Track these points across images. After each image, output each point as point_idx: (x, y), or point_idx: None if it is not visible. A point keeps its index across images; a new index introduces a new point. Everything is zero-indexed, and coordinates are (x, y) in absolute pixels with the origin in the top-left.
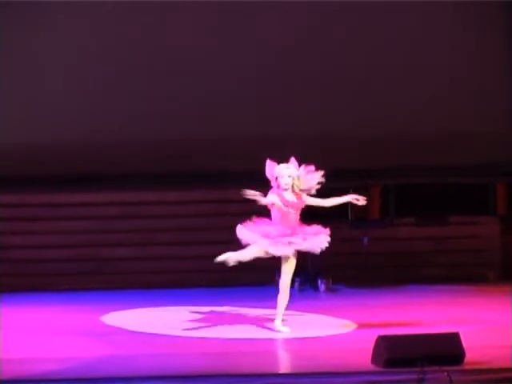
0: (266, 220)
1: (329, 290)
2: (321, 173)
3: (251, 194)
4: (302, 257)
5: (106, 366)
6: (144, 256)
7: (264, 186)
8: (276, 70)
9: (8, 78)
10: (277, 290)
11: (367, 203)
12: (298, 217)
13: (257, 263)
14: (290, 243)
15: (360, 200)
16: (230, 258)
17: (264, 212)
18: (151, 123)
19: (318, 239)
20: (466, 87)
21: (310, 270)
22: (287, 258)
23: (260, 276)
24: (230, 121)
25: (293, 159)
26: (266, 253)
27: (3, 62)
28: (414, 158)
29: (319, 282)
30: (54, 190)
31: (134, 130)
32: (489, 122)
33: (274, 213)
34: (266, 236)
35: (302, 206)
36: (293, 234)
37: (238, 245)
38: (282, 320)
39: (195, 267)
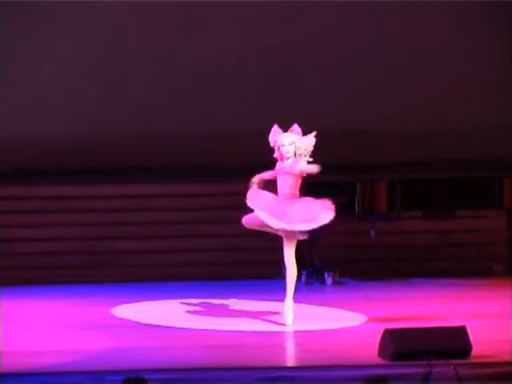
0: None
1: (335, 283)
2: (314, 133)
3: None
4: (309, 250)
5: (114, 359)
6: (150, 249)
7: None
8: (278, 64)
9: (14, 73)
10: (283, 284)
11: (374, 196)
12: (293, 189)
13: (262, 257)
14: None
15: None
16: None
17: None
18: (155, 117)
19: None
20: (473, 81)
21: (316, 263)
22: (286, 235)
23: (266, 269)
24: (234, 115)
25: (295, 125)
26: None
27: (8, 57)
28: (422, 151)
29: (326, 275)
30: (58, 182)
31: (139, 123)
32: (495, 116)
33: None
34: (265, 207)
35: (292, 171)
36: (288, 212)
37: (244, 238)
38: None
39: (201, 260)
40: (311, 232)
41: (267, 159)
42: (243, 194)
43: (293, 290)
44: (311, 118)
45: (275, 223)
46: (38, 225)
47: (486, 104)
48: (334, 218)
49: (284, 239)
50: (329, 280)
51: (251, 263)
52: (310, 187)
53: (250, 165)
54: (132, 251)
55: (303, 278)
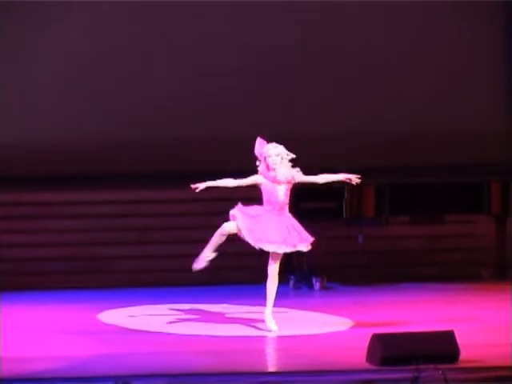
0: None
1: (323, 288)
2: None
3: (205, 185)
4: (297, 256)
5: (103, 365)
6: (138, 254)
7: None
8: (273, 70)
9: (2, 78)
10: (279, 290)
11: (362, 202)
12: (288, 197)
13: (253, 262)
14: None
15: (353, 179)
16: (205, 257)
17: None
18: (144, 122)
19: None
20: (461, 87)
21: (304, 268)
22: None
23: (258, 274)
24: (224, 120)
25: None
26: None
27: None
28: (409, 156)
29: (314, 280)
30: (47, 188)
31: (127, 129)
32: (483, 121)
33: (264, 194)
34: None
35: (292, 182)
36: (282, 237)
37: (234, 244)
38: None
39: (190, 265)
40: None
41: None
42: (232, 200)
43: (273, 300)
44: (298, 123)
45: (247, 236)
46: (26, 231)
47: (475, 109)
48: (322, 224)
49: (270, 252)
50: (317, 285)
51: (242, 268)
52: (299, 192)
53: (240, 170)
54: (120, 257)
55: (291, 283)
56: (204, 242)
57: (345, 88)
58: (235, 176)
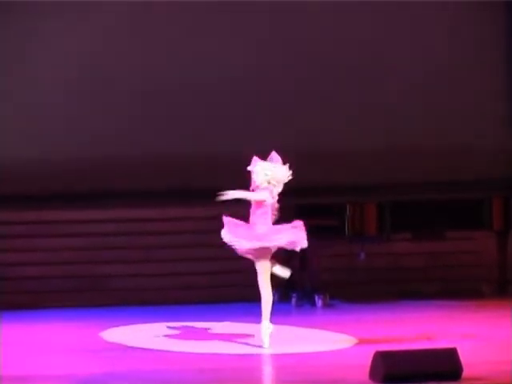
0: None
1: (326, 305)
2: (286, 166)
3: (231, 194)
4: (299, 273)
5: (105, 383)
6: (140, 273)
7: None
8: (265, 87)
9: (1, 96)
10: (279, 307)
11: (364, 219)
12: (273, 211)
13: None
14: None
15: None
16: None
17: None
18: (148, 140)
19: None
20: (462, 102)
21: (306, 285)
22: (256, 260)
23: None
24: (229, 137)
25: (274, 153)
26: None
27: None
28: (410, 173)
29: (316, 297)
30: (48, 207)
31: (131, 146)
32: (484, 137)
33: (256, 210)
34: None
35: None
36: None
37: (235, 261)
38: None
39: (192, 284)
40: (301, 255)
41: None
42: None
43: (268, 313)
44: (298, 140)
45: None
46: (28, 249)
47: (476, 125)
48: (324, 240)
49: (255, 263)
50: (319, 302)
51: (243, 286)
52: (301, 209)
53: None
54: (121, 275)
55: (293, 300)
56: (206, 260)
57: (345, 103)
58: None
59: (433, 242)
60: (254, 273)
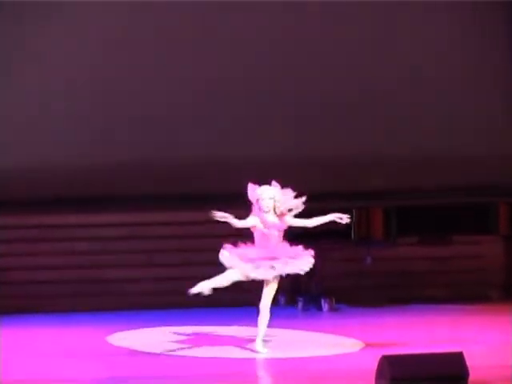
0: (248, 244)
1: (332, 309)
2: (293, 193)
3: (220, 215)
4: (306, 277)
5: None
6: (145, 277)
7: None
8: (266, 90)
9: (4, 101)
10: (285, 311)
11: (370, 223)
12: (281, 238)
13: (260, 285)
14: (271, 267)
15: (343, 218)
16: (204, 287)
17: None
18: (151, 144)
19: (299, 262)
20: (469, 108)
21: (313, 289)
22: (268, 281)
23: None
24: (232, 142)
25: (274, 182)
26: (247, 277)
27: None
28: (416, 178)
29: (322, 301)
30: (53, 211)
31: (133, 151)
32: (491, 142)
33: (256, 235)
34: (248, 261)
35: (284, 227)
36: (274, 257)
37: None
38: (265, 340)
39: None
40: None
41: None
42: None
43: (263, 333)
44: (303, 145)
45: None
46: (33, 253)
47: (483, 130)
48: (331, 244)
49: (264, 285)
50: (325, 306)
51: (248, 290)
52: (307, 214)
53: (244, 193)
54: (126, 279)
55: (300, 304)
56: (210, 264)
57: (350, 108)
58: (236, 199)
59: (439, 247)
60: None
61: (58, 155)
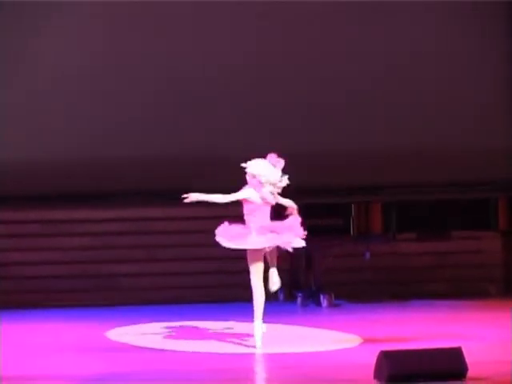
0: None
1: (331, 305)
2: (282, 161)
3: (195, 197)
4: (305, 273)
5: (110, 383)
6: (146, 272)
7: None
8: (269, 85)
9: (3, 97)
10: (284, 307)
11: (369, 219)
12: (269, 212)
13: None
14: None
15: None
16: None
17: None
18: (151, 139)
19: (290, 236)
20: (468, 103)
21: (312, 285)
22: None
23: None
24: (232, 138)
25: (272, 155)
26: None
27: None
28: (416, 173)
29: (321, 297)
30: (54, 206)
31: (135, 146)
32: (490, 137)
33: (246, 208)
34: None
35: (274, 202)
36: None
37: (240, 261)
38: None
39: (197, 283)
40: (307, 255)
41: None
42: (239, 217)
43: (260, 313)
44: (304, 140)
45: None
46: (34, 248)
47: (482, 125)
48: (329, 240)
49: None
50: (324, 302)
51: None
52: (307, 209)
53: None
54: (128, 274)
55: (299, 300)
56: (211, 259)
57: (349, 103)
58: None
59: (438, 242)
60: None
61: (58, 151)
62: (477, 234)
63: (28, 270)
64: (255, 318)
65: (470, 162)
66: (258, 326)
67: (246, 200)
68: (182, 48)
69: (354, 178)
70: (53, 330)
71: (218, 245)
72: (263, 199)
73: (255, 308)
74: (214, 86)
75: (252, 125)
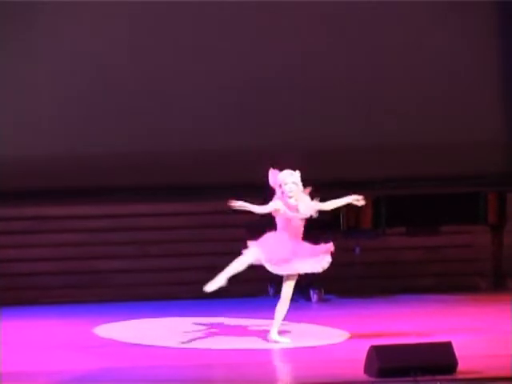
0: (271, 235)
1: (321, 300)
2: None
3: (239, 204)
4: None
5: (101, 379)
6: (136, 268)
7: (257, 197)
8: (275, 82)
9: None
10: (269, 301)
11: (359, 213)
12: (303, 224)
13: (250, 275)
14: (289, 264)
15: (360, 200)
16: (220, 281)
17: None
18: (142, 135)
19: (318, 260)
20: (458, 98)
21: (301, 280)
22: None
23: (252, 287)
24: (223, 133)
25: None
26: (260, 260)
27: None
28: (405, 167)
29: (311, 292)
30: (45, 203)
31: (125, 142)
32: (480, 131)
33: (279, 221)
34: (270, 260)
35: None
36: (295, 254)
37: (232, 256)
38: (278, 332)
39: (188, 279)
40: None
41: (257, 177)
42: (229, 213)
43: (280, 322)
44: (295, 136)
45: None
46: (24, 245)
47: (472, 119)
48: (319, 236)
49: (284, 277)
50: (314, 297)
51: (240, 281)
52: None
53: (242, 183)
54: (118, 271)
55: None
56: (202, 255)
57: (341, 100)
58: (230, 189)
59: (428, 237)
60: (251, 268)
61: (50, 147)
62: (466, 229)
63: (18, 267)
64: (274, 326)
65: (459, 156)
66: (276, 333)
67: (276, 212)
68: (183, 47)
69: (344, 173)
70: (40, 326)
71: (208, 240)
72: (292, 211)
73: (278, 316)
74: (210, 81)
75: (244, 120)
